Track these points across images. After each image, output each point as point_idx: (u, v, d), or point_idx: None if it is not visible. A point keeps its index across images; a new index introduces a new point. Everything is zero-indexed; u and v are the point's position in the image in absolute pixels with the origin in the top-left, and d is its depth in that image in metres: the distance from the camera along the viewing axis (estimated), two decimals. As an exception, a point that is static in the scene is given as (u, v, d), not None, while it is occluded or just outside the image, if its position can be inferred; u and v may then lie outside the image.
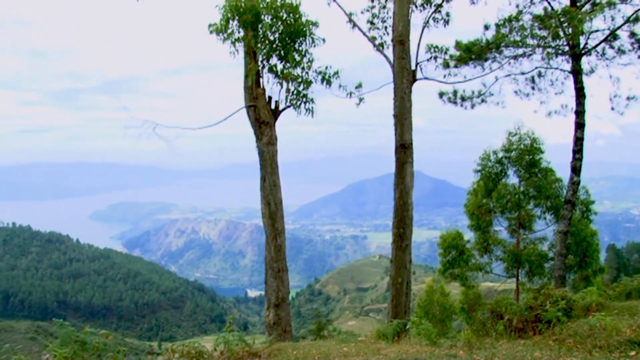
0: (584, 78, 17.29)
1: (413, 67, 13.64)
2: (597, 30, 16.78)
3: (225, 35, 11.82)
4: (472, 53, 16.89)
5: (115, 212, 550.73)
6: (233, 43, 11.88)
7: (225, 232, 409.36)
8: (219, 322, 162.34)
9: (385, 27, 15.50)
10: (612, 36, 16.64)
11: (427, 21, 15.16)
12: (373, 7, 15.70)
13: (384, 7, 15.58)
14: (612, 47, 17.09)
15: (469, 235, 25.66)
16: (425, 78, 14.44)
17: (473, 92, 18.25)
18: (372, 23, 15.70)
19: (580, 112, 17.15)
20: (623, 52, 16.79)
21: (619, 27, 16.20)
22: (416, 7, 15.14)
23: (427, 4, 15.23)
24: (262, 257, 13.75)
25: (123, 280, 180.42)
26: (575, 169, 17.59)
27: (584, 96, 17.00)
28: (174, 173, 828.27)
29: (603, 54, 17.39)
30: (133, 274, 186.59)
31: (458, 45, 17.21)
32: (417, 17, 15.08)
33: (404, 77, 13.11)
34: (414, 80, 13.66)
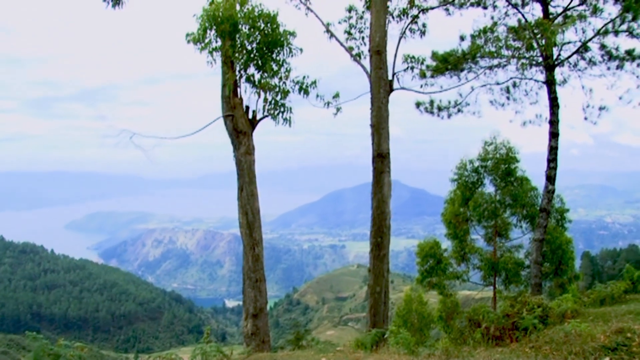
0: (558, 88, 17.60)
1: (390, 77, 13.75)
2: (569, 42, 17.11)
3: (202, 44, 11.80)
4: (448, 63, 17.08)
5: (91, 222, 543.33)
6: (210, 52, 11.87)
7: (203, 242, 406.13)
8: (196, 333, 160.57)
9: (363, 38, 15.63)
10: (584, 48, 16.98)
11: (404, 32, 15.31)
12: (350, 17, 15.83)
13: (361, 17, 15.71)
14: (583, 58, 17.43)
15: (446, 244, 25.83)
16: (402, 88, 14.57)
17: (449, 102, 18.46)
18: (349, 33, 15.82)
19: (554, 122, 17.42)
20: (594, 63, 17.14)
21: (589, 40, 16.54)
22: (393, 18, 15.29)
23: (403, 15, 15.40)
24: (240, 267, 13.69)
25: (99, 291, 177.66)
26: (550, 178, 17.85)
27: (557, 106, 17.29)
28: (151, 182, 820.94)
29: (575, 65, 17.73)
30: (109, 284, 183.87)
31: (434, 55, 17.40)
32: (393, 28, 15.24)
33: (381, 87, 13.20)
34: (391, 90, 13.76)
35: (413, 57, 15.15)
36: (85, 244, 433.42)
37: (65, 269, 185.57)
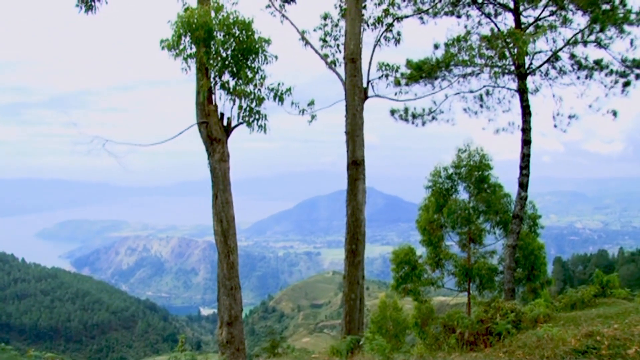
0: (530, 97, 17.92)
1: (365, 85, 13.84)
2: (540, 52, 17.45)
3: (177, 51, 11.73)
4: (423, 71, 17.27)
5: (63, 230, 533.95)
6: (185, 59, 11.80)
7: (178, 249, 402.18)
8: (171, 342, 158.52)
9: (338, 45, 15.70)
10: (554, 57, 17.33)
11: (379, 40, 15.43)
12: (325, 25, 15.90)
13: (336, 25, 15.80)
14: (554, 67, 17.79)
15: (421, 251, 25.96)
16: (377, 96, 14.66)
17: (424, 110, 18.65)
18: (324, 41, 15.88)
19: (526, 130, 17.72)
20: (564, 72, 17.51)
21: (560, 49, 16.89)
22: (368, 25, 15.41)
23: (378, 23, 15.52)
24: (215, 275, 13.58)
25: (71, 301, 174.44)
26: (523, 185, 18.12)
27: (529, 114, 17.58)
28: (125, 190, 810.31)
29: (546, 74, 18.09)
30: (82, 293, 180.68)
31: (409, 63, 17.58)
32: (368, 36, 15.35)
33: (356, 94, 13.27)
34: (366, 97, 13.84)
35: (388, 65, 15.26)
36: (57, 253, 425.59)
37: (36, 278, 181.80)
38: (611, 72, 16.76)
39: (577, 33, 16.24)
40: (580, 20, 16.42)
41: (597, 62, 16.84)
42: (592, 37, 16.16)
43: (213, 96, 12.07)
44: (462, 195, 25.07)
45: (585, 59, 17.32)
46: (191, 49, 11.79)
